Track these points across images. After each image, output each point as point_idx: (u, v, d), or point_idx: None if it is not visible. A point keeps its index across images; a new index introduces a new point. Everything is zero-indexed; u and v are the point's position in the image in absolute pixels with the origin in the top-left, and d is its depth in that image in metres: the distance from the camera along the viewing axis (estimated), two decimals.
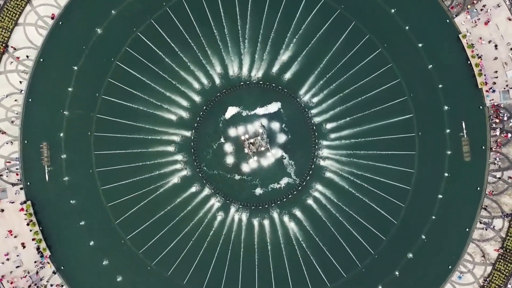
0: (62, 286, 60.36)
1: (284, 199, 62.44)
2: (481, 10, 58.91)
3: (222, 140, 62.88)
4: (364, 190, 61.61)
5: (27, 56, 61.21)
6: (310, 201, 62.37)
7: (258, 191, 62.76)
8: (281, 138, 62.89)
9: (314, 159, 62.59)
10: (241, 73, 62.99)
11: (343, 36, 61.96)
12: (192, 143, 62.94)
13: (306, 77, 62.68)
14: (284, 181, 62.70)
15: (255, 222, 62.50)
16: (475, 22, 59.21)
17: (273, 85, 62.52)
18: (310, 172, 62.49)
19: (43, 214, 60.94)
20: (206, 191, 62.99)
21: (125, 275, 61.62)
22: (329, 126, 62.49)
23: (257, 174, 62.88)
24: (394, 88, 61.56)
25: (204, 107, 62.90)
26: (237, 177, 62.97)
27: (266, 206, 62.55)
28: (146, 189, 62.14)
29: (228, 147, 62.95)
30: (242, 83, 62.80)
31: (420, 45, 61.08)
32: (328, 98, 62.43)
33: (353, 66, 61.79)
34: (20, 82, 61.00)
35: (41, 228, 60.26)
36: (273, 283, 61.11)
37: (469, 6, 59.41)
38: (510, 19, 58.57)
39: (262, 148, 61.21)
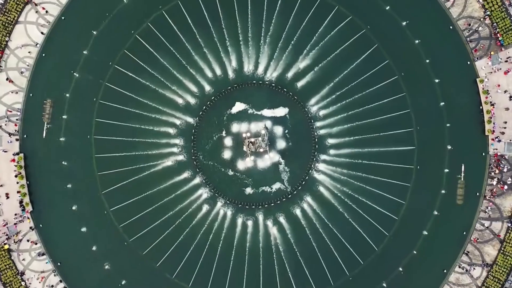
0: (37, 243, 60.35)
1: (272, 204, 62.41)
2: (506, 61, 58.75)
3: (223, 133, 62.88)
4: (352, 211, 61.49)
5: (47, 12, 61.28)
6: (297, 211, 62.34)
7: (248, 190, 62.75)
8: (282, 143, 62.86)
9: (310, 171, 62.56)
10: (256, 72, 62.96)
11: (363, 56, 61.87)
12: (193, 130, 62.94)
13: (319, 89, 62.61)
14: (276, 186, 62.69)
15: (239, 220, 62.51)
16: (495, 70, 59.12)
17: (285, 90, 62.50)
18: (303, 182, 62.47)
19: (32, 170, 61.03)
20: (197, 180, 62.99)
21: (101, 244, 61.73)
22: (331, 141, 62.47)
23: (250, 173, 62.86)
24: (403, 117, 61.45)
25: (213, 97, 62.89)
26: (230, 172, 62.97)
27: (253, 207, 62.52)
28: (138, 166, 62.25)
29: (228, 142, 62.93)
30: (254, 82, 62.77)
31: (436, 80, 61.03)
32: (336, 114, 62.36)
33: (367, 88, 61.65)
34: (42, 32, 61.08)
35: (28, 183, 60.33)
36: (244, 283, 61.16)
37: (492, 53, 59.37)
38: None
39: (261, 150, 61.17)
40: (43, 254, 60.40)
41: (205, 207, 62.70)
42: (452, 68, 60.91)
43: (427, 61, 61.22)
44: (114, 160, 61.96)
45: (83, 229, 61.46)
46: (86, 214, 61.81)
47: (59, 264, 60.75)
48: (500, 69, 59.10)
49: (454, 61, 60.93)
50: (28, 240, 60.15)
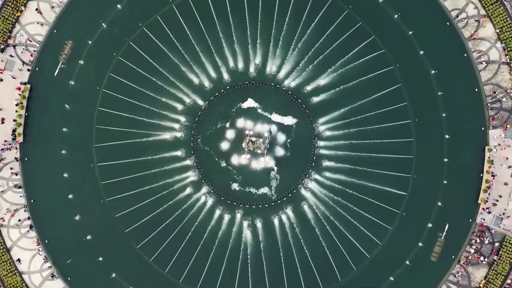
0: (17, 174, 60.37)
1: (254, 206, 62.46)
2: None
3: (227, 124, 62.85)
4: (327, 237, 61.38)
5: None
6: (275, 220, 62.37)
7: (235, 186, 62.80)
8: (280, 151, 62.88)
9: (299, 186, 62.58)
10: (277, 75, 62.90)
11: (383, 92, 61.92)
12: (200, 112, 62.92)
13: (332, 110, 62.48)
14: (263, 190, 62.69)
15: (217, 212, 62.58)
16: (507, 143, 59.01)
17: (299, 101, 62.46)
18: (290, 195, 62.49)
19: (34, 103, 61.00)
20: (189, 161, 63.02)
21: (77, 194, 61.75)
22: (327, 163, 62.46)
23: (242, 171, 62.88)
24: (403, 162, 61.45)
25: (228, 87, 62.86)
26: (223, 164, 63.00)
27: (235, 203, 62.56)
28: (137, 130, 62.27)
29: (230, 134, 62.92)
30: (272, 84, 62.72)
31: (446, 136, 60.98)
32: (341, 139, 62.32)
33: (378, 123, 61.65)
34: None
35: (26, 114, 60.34)
36: (203, 273, 61.29)
37: (508, 126, 59.31)
38: None
39: (259, 151, 61.20)
40: (19, 187, 60.37)
41: (189, 189, 62.75)
42: (465, 129, 60.84)
43: (443, 114, 61.16)
44: (115, 117, 61.95)
45: (65, 175, 61.53)
46: (72, 162, 61.82)
47: (32, 201, 60.72)
48: (506, 147, 59.03)
49: (469, 122, 60.82)
50: (11, 168, 60.08)
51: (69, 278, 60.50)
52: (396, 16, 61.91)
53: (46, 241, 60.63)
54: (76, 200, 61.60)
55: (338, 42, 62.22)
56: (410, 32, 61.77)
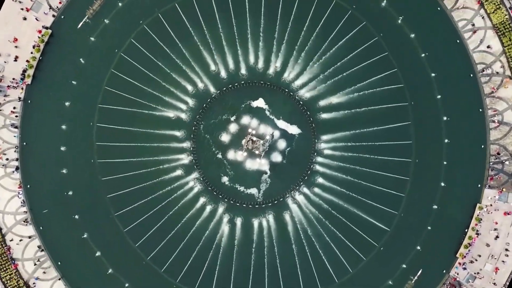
0: (17, 116, 60.25)
1: (238, 204, 62.45)
2: None
3: (233, 118, 62.80)
4: (301, 252, 61.47)
5: None
6: (254, 223, 62.40)
7: (225, 179, 62.81)
8: (277, 157, 62.87)
9: (287, 196, 62.58)
10: (293, 83, 62.80)
11: (391, 125, 62.01)
12: (209, 99, 62.88)
13: (337, 130, 62.48)
14: (251, 190, 62.70)
15: (201, 200, 62.62)
16: (498, 206, 58.97)
17: (308, 113, 62.43)
18: (276, 202, 62.49)
19: (51, 49, 61.10)
20: (186, 144, 62.98)
21: (70, 148, 61.77)
22: (320, 181, 62.44)
23: (235, 167, 62.88)
24: (394, 198, 61.44)
25: (243, 82, 62.75)
26: (219, 155, 62.99)
27: (220, 196, 62.59)
28: (143, 101, 62.20)
29: (233, 128, 62.85)
30: (286, 90, 62.64)
31: (442, 184, 60.96)
32: (339, 160, 62.30)
33: (378, 154, 61.67)
34: None
35: (40, 58, 60.29)
36: (173, 255, 61.33)
37: (504, 189, 59.31)
38: None
39: (257, 152, 61.17)
40: (15, 127, 60.31)
41: (179, 172, 62.77)
42: (461, 181, 60.86)
43: (445, 162, 61.15)
44: (126, 83, 61.87)
45: (63, 127, 61.51)
46: (73, 116, 61.75)
47: (24, 144, 60.68)
48: (498, 209, 58.98)
49: (467, 176, 60.83)
50: (14, 108, 60.06)
51: (41, 228, 60.50)
52: (423, 55, 61.80)
53: (28, 186, 60.67)
54: (67, 153, 61.60)
55: (360, 65, 62.13)
56: (433, 74, 61.65)
